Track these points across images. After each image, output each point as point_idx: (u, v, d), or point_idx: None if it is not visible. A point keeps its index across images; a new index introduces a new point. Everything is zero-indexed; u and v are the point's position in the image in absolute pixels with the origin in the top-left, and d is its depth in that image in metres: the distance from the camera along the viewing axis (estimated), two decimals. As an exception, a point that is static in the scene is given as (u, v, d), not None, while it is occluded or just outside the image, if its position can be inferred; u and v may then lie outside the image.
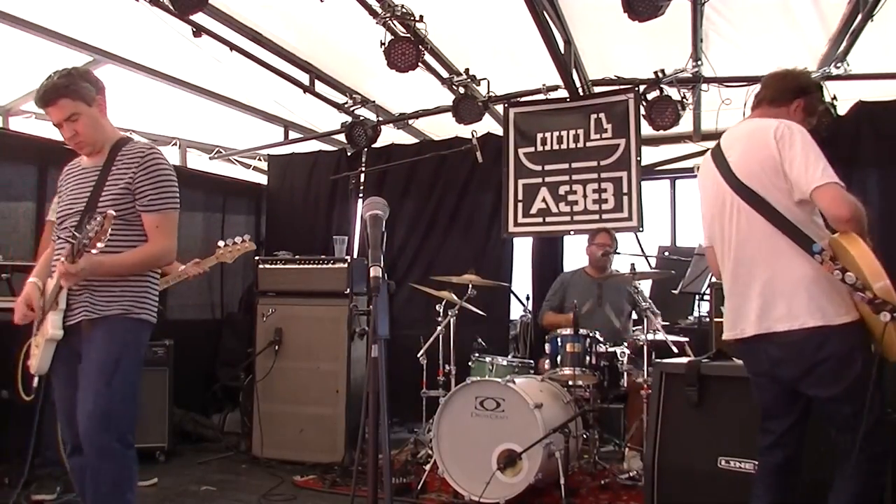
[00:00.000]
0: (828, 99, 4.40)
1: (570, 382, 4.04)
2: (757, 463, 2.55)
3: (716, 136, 5.17)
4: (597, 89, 5.02)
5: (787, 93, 2.55)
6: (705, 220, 2.67)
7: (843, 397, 2.25)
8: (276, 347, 4.62)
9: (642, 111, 4.70)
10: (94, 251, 2.24)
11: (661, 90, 4.58)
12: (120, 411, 2.38)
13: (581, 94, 4.93)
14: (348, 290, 4.40)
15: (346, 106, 5.27)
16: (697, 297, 4.96)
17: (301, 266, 4.73)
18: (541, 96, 4.99)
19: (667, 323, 4.32)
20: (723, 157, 2.50)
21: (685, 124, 5.05)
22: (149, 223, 2.48)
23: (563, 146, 5.08)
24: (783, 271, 2.31)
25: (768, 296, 2.34)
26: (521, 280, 5.74)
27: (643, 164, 4.97)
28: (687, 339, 4.29)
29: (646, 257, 5.30)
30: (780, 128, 2.35)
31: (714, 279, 2.64)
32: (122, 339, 2.42)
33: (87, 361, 2.38)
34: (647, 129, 4.79)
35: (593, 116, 4.98)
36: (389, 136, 5.90)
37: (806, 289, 2.26)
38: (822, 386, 2.28)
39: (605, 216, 4.91)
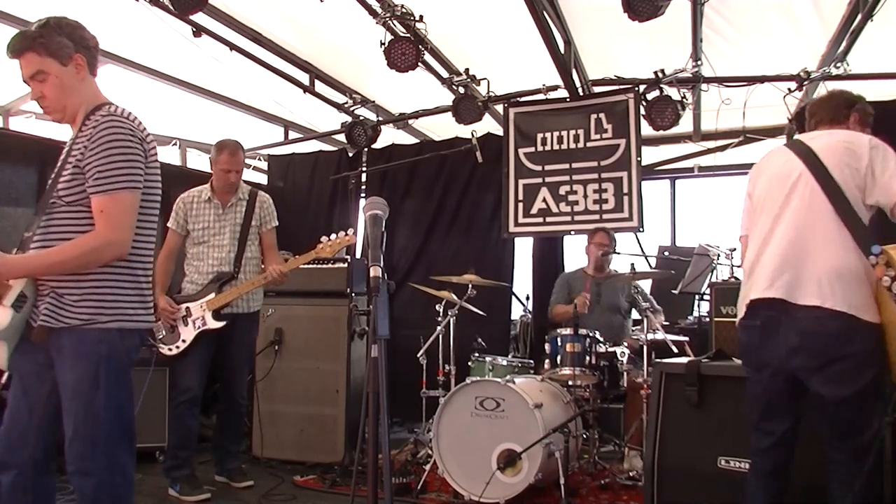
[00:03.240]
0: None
1: (570, 382, 4.04)
2: (752, 461, 2.55)
3: (716, 136, 5.25)
4: (597, 89, 5.03)
5: (841, 108, 2.64)
6: (754, 198, 2.65)
7: (854, 400, 2.25)
8: (276, 347, 4.61)
9: (642, 111, 4.71)
10: None
11: (661, 90, 4.59)
12: (106, 433, 2.08)
13: (581, 94, 4.94)
14: (348, 290, 4.40)
15: (346, 106, 5.28)
16: (697, 297, 4.96)
17: (301, 266, 4.72)
18: (541, 96, 5.00)
19: (667, 323, 4.32)
20: (802, 143, 2.54)
21: (685, 124, 5.06)
22: (94, 207, 2.06)
23: (564, 146, 5.08)
24: (829, 255, 2.32)
25: (806, 270, 2.34)
26: (522, 280, 5.75)
27: (643, 164, 4.97)
28: (687, 339, 4.29)
29: (646, 257, 5.30)
30: (875, 140, 2.42)
31: (737, 272, 2.64)
32: (95, 352, 2.07)
33: (61, 380, 2.09)
34: (647, 129, 4.79)
35: (593, 116, 4.98)
36: (389, 136, 5.91)
37: (844, 278, 2.27)
38: (837, 384, 2.27)
39: (605, 216, 4.92)
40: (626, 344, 4.26)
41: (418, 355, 4.49)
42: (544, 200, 5.11)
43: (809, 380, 2.35)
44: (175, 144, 6.29)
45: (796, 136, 2.66)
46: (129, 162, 2.08)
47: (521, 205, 5.19)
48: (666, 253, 5.32)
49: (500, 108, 5.28)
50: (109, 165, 2.05)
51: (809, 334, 2.31)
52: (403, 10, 3.88)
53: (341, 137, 5.72)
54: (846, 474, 2.29)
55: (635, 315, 4.83)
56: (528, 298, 5.68)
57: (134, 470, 2.21)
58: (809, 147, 2.48)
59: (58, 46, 2.10)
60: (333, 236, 3.75)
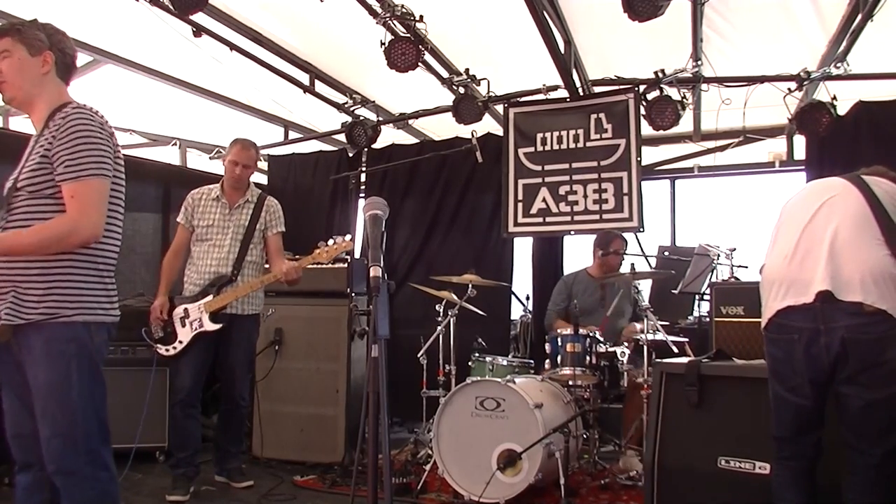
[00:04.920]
0: (828, 99, 4.41)
1: (570, 382, 4.04)
2: (782, 466, 2.53)
3: (716, 135, 5.25)
4: (597, 89, 5.02)
5: None
6: (779, 221, 2.64)
7: (888, 402, 2.25)
8: (276, 347, 4.62)
9: (642, 111, 4.70)
10: None
11: (661, 90, 4.58)
12: (85, 430, 2.10)
13: (581, 94, 4.93)
14: (348, 290, 4.40)
15: (346, 106, 5.27)
16: (697, 297, 4.96)
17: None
18: (541, 96, 4.99)
19: (667, 323, 4.32)
20: (856, 174, 2.57)
21: (685, 124, 5.05)
22: (65, 194, 2.08)
23: (563, 146, 5.07)
24: (867, 257, 2.32)
25: (846, 268, 2.33)
26: (522, 280, 5.75)
27: (643, 164, 4.97)
28: (687, 340, 4.30)
29: (646, 257, 5.30)
30: None
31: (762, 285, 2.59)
32: (66, 351, 2.08)
33: (33, 381, 2.09)
34: (647, 129, 4.78)
35: (593, 116, 4.97)
36: (389, 136, 5.90)
37: (885, 279, 2.27)
38: (876, 387, 2.27)
39: (605, 216, 4.91)
40: (626, 344, 4.26)
41: (418, 355, 4.49)
42: (544, 200, 5.10)
43: (846, 384, 2.32)
44: (175, 144, 6.28)
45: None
46: (99, 151, 2.12)
47: (520, 205, 5.18)
48: (666, 253, 5.31)
49: (500, 108, 5.28)
50: (79, 153, 2.09)
51: (853, 342, 2.28)
52: (403, 10, 3.88)
53: (341, 137, 5.71)
54: (868, 478, 2.28)
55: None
56: (528, 298, 5.68)
57: (114, 463, 2.21)
58: (861, 177, 2.51)
59: (32, 38, 2.20)
60: (331, 241, 3.75)
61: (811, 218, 2.48)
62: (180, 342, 3.75)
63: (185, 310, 3.78)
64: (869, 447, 2.29)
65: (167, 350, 3.77)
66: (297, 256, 4.46)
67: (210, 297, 3.77)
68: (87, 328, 2.14)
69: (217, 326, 3.74)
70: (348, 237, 3.80)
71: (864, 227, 2.36)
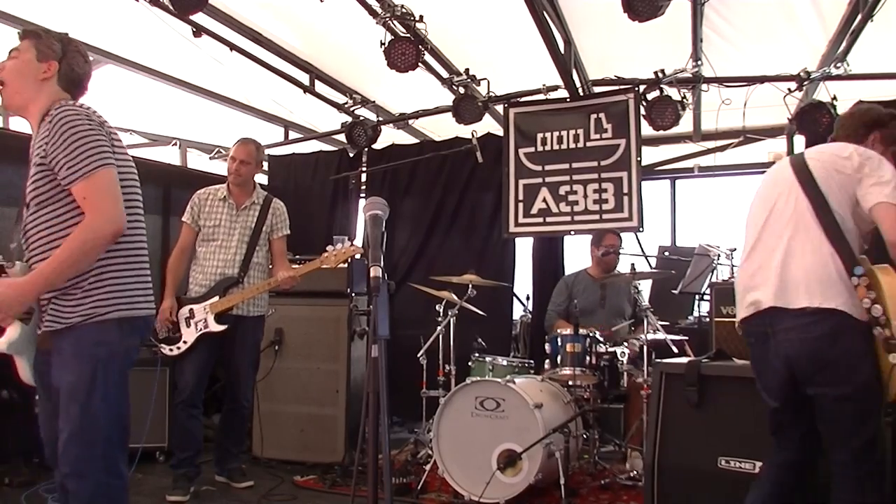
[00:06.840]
0: (828, 99, 4.41)
1: (570, 382, 4.04)
2: (771, 460, 2.55)
3: (716, 136, 5.26)
4: (597, 89, 5.03)
5: (861, 128, 2.53)
6: (753, 212, 2.63)
7: (851, 400, 2.26)
8: (277, 347, 4.62)
9: (642, 111, 4.70)
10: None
11: (661, 90, 4.58)
12: (105, 436, 2.09)
13: (581, 94, 4.93)
14: (348, 290, 4.40)
15: (346, 106, 5.28)
16: (697, 297, 4.96)
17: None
18: (541, 96, 4.99)
19: (667, 323, 4.32)
20: (800, 156, 2.53)
21: (685, 124, 5.05)
22: (77, 196, 2.05)
23: (564, 146, 5.07)
24: (811, 264, 2.31)
25: (790, 276, 2.34)
26: (522, 280, 5.75)
27: (643, 164, 4.97)
28: (687, 339, 4.29)
29: (646, 257, 5.30)
30: (865, 149, 2.41)
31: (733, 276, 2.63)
32: (93, 354, 2.07)
33: (59, 381, 2.09)
34: (647, 129, 4.79)
35: (593, 116, 4.97)
36: (389, 136, 5.91)
37: (831, 280, 2.27)
38: (833, 385, 2.27)
39: (605, 216, 4.91)
40: (626, 345, 4.26)
41: (418, 355, 4.49)
42: (544, 200, 5.10)
43: (809, 386, 2.34)
44: (175, 144, 6.28)
45: (805, 150, 2.62)
46: (94, 141, 2.07)
47: (521, 205, 5.18)
48: (666, 253, 5.32)
49: (500, 108, 5.28)
50: (76, 151, 2.04)
51: (798, 341, 2.31)
52: (403, 10, 3.88)
53: (341, 137, 5.71)
54: (848, 476, 2.28)
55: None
56: (528, 298, 5.68)
57: (127, 470, 2.21)
58: (804, 160, 2.47)
59: (46, 45, 2.20)
60: (339, 245, 3.75)
61: (764, 224, 2.50)
62: (184, 342, 3.75)
63: (191, 310, 3.78)
64: (842, 444, 2.30)
65: (171, 350, 3.77)
66: (298, 257, 4.47)
67: (216, 299, 3.76)
68: (119, 326, 2.11)
69: (222, 328, 3.74)
70: (355, 242, 3.79)
71: (807, 230, 2.35)
